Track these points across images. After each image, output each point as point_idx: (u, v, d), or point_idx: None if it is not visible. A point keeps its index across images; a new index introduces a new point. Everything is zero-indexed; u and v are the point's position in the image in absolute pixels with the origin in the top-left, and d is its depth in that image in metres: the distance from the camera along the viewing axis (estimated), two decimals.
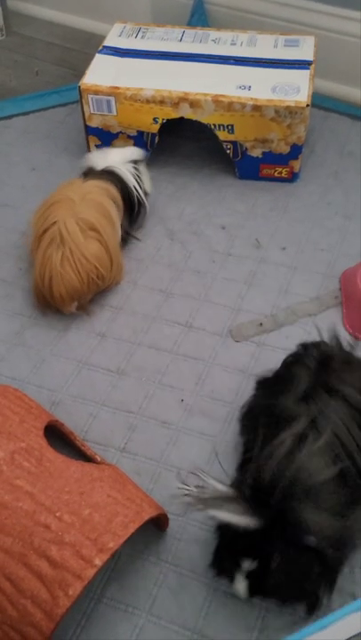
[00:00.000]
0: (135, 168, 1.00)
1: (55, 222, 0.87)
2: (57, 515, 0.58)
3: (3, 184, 1.14)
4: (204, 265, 0.98)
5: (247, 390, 0.81)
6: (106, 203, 0.91)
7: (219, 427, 0.78)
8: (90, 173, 0.97)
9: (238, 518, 0.54)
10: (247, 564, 0.56)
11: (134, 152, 1.02)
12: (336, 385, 0.63)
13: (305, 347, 0.71)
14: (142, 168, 1.02)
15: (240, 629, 0.62)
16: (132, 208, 0.99)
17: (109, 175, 0.96)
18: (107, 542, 0.56)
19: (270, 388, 0.71)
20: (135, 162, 1.01)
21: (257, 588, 0.58)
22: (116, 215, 0.93)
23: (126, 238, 0.99)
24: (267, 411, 0.65)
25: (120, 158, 0.99)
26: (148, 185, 1.02)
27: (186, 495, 0.56)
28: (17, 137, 1.24)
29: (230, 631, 0.62)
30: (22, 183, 1.14)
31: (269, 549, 0.54)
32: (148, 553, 0.67)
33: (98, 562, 0.55)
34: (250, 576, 0.57)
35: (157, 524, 0.67)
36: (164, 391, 0.82)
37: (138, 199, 0.99)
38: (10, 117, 1.28)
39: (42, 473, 0.62)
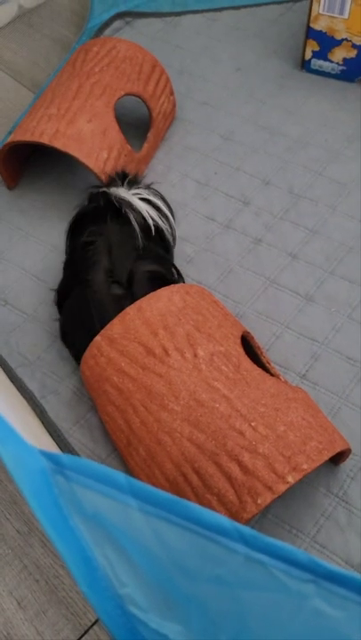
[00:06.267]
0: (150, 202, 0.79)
1: None
2: (252, 424, 0.57)
3: (205, 81, 1.09)
4: None
5: None
6: None
7: None
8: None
9: None
10: None
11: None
12: None
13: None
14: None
15: None
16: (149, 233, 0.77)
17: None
18: (301, 463, 0.55)
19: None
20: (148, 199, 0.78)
21: None
22: None
23: None
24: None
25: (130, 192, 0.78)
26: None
27: None
28: (225, 32, 1.17)
29: None
30: (225, 83, 1.09)
31: None
32: (318, 483, 0.66)
33: (290, 479, 0.54)
34: None
35: (334, 457, 0.65)
36: (353, 326, 0.78)
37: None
38: (220, 10, 1.21)
39: (239, 380, 0.61)
